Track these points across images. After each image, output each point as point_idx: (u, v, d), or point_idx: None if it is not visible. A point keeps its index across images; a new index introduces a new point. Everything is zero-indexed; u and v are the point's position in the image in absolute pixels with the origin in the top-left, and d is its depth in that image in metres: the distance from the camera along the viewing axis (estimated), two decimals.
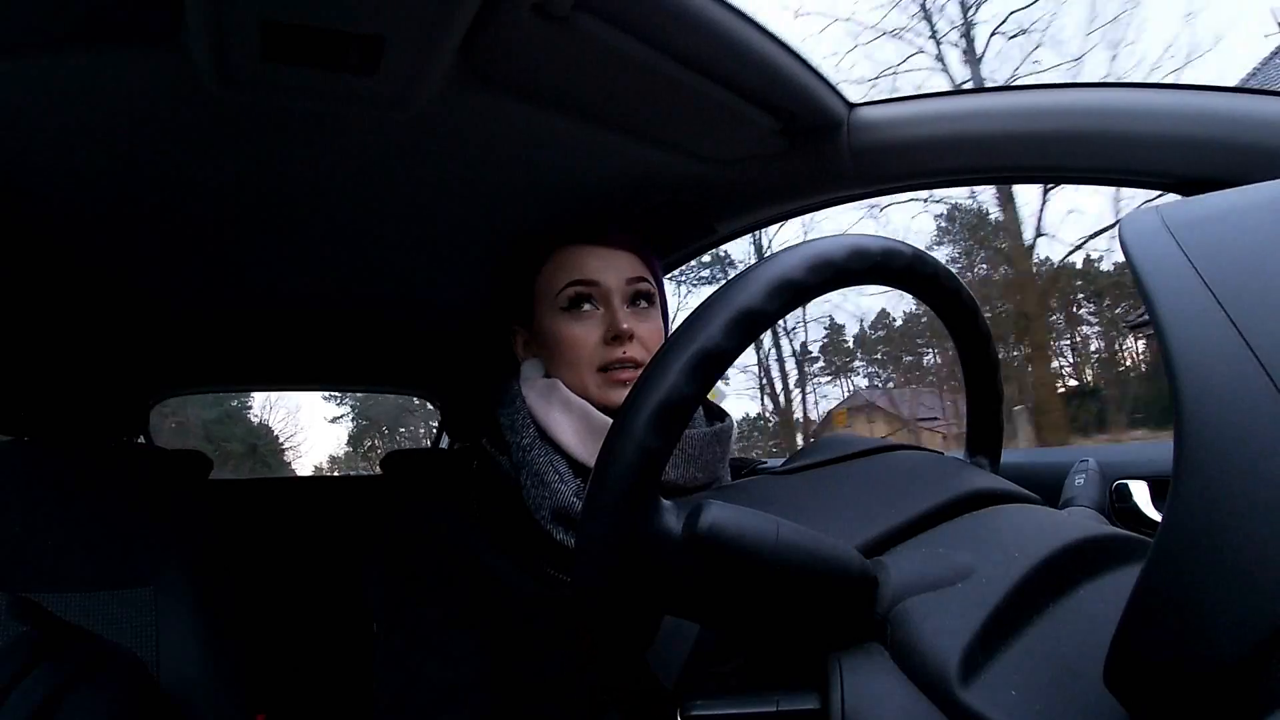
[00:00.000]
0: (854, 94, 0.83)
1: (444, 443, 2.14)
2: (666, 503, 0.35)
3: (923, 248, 0.43)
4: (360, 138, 0.78)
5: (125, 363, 1.33)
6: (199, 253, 1.03)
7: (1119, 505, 0.65)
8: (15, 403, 1.04)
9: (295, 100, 0.69)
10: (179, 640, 0.94)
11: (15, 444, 1.04)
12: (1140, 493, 0.65)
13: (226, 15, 0.57)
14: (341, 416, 19.61)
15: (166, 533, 1.00)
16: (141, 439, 1.63)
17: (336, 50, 0.62)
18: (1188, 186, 0.69)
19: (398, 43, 0.62)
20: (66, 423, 1.08)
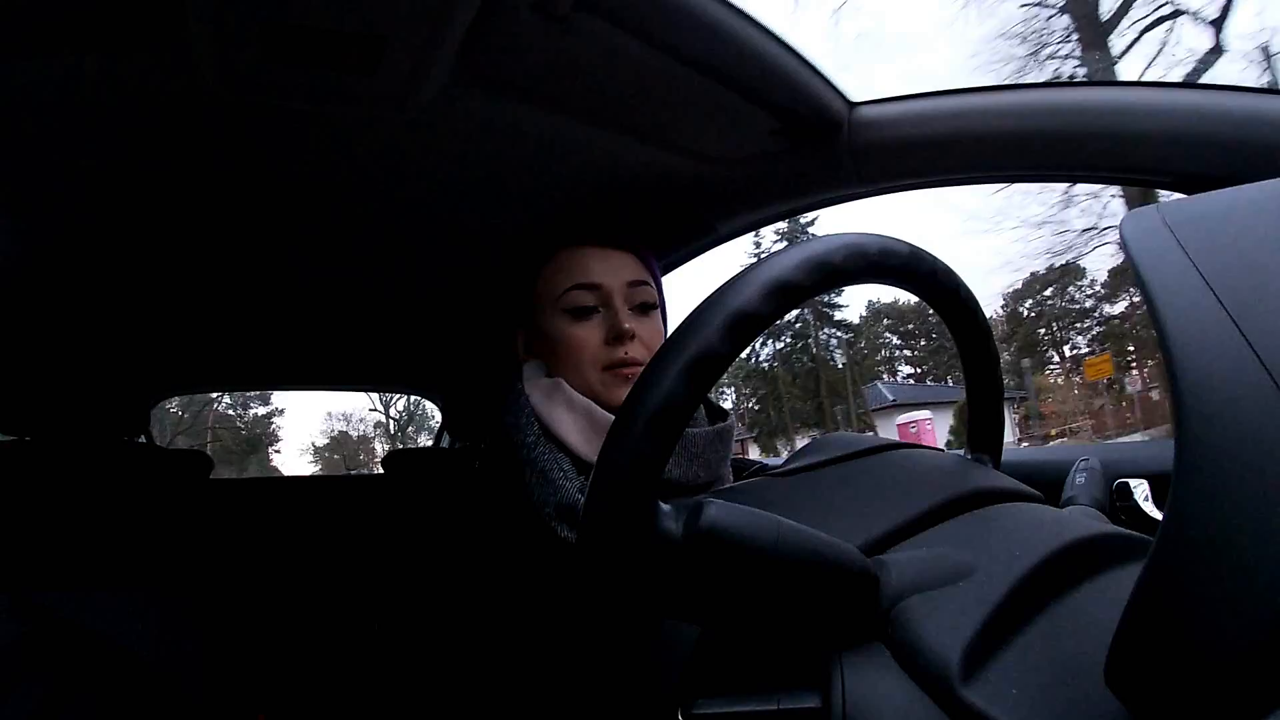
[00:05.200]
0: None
1: (445, 442, 2.14)
2: (665, 507, 0.35)
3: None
4: (360, 138, 0.78)
5: (126, 362, 1.33)
6: (199, 252, 1.04)
7: (1120, 504, 0.64)
8: (16, 403, 1.04)
9: (295, 100, 0.69)
10: (179, 640, 0.94)
11: (16, 444, 1.04)
12: (1141, 491, 0.64)
13: (227, 15, 0.57)
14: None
15: (167, 533, 1.01)
16: (142, 439, 1.63)
17: (336, 50, 0.62)
18: (1189, 185, 0.69)
19: (398, 43, 0.62)
20: (67, 423, 1.08)
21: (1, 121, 0.69)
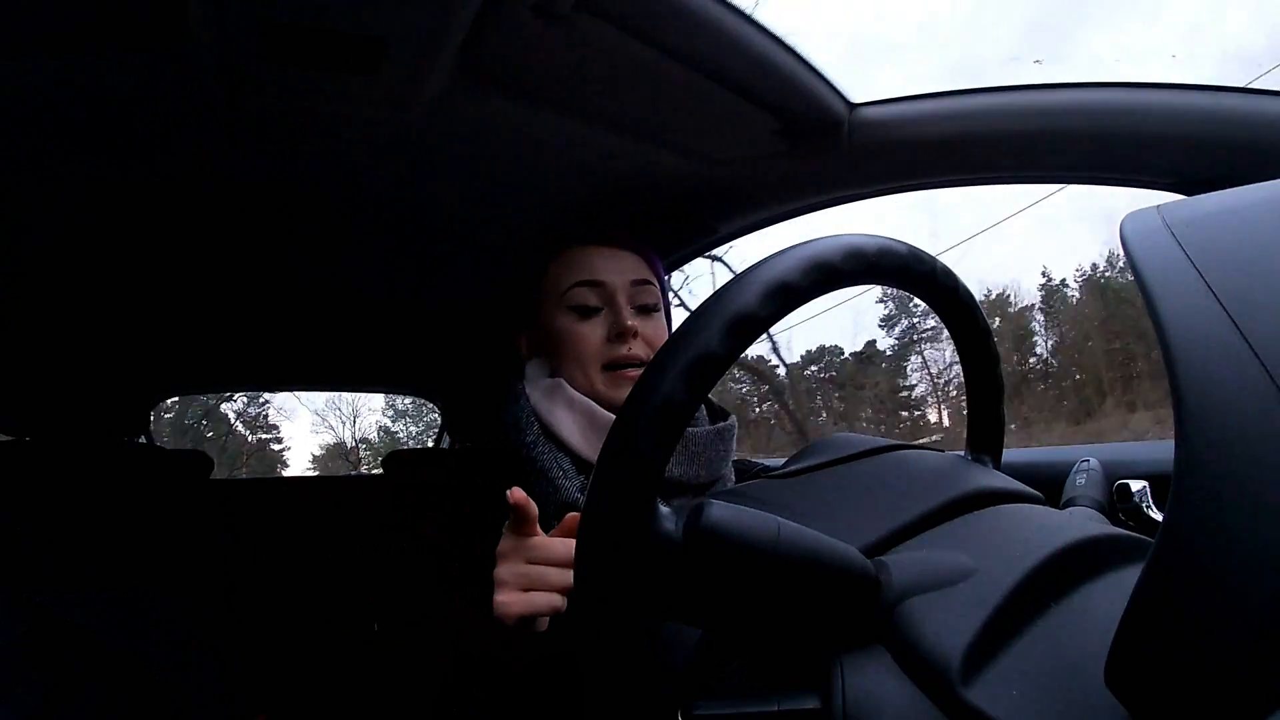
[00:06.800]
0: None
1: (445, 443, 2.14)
2: (664, 509, 0.35)
3: None
4: (361, 138, 0.78)
5: (126, 362, 1.33)
6: (199, 252, 1.04)
7: (1120, 505, 0.64)
8: (16, 403, 1.04)
9: (295, 101, 0.70)
10: (180, 640, 0.94)
11: (16, 444, 1.04)
12: (1142, 492, 0.64)
13: (227, 16, 0.57)
14: None
15: (167, 533, 1.01)
16: (142, 439, 1.63)
17: (336, 51, 0.62)
18: (1189, 186, 0.69)
19: (398, 43, 0.62)
20: (67, 423, 1.08)
21: (2, 121, 0.69)
